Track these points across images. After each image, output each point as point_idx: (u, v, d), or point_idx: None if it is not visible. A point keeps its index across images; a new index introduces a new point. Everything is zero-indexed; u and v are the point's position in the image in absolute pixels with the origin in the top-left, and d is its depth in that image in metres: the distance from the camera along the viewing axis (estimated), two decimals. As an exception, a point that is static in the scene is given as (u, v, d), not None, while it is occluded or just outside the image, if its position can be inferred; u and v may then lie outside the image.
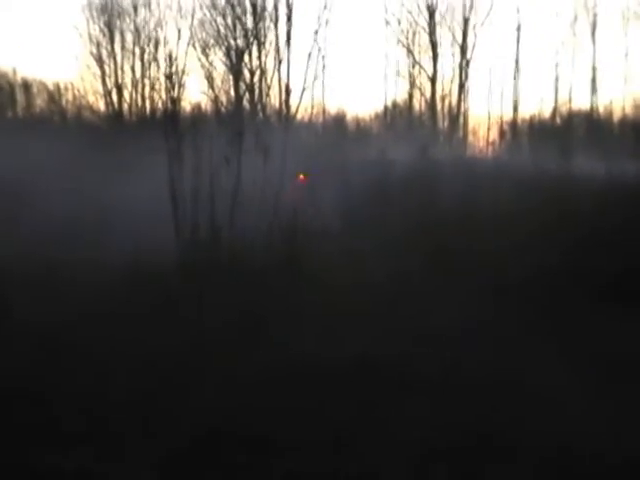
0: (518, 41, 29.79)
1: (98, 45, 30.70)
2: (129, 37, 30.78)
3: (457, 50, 30.22)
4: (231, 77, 29.72)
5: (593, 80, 29.26)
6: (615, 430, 6.86)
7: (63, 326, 9.49)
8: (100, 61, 30.80)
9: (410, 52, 30.44)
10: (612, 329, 9.78)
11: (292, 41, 29.70)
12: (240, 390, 7.82)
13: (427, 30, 30.97)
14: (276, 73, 29.76)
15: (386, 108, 32.34)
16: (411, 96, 31.41)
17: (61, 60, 50.23)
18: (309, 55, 29.00)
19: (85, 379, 7.93)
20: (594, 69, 29.09)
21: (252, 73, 29.50)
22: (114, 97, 31.39)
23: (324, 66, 30.85)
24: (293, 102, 29.83)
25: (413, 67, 30.82)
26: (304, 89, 29.51)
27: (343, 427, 6.90)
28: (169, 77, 26.34)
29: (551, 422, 7.08)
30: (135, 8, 30.02)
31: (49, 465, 6.44)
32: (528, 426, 6.98)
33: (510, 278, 11.70)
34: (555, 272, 12.18)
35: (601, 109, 29.70)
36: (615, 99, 34.50)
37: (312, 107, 30.25)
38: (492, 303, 10.66)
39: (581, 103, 30.37)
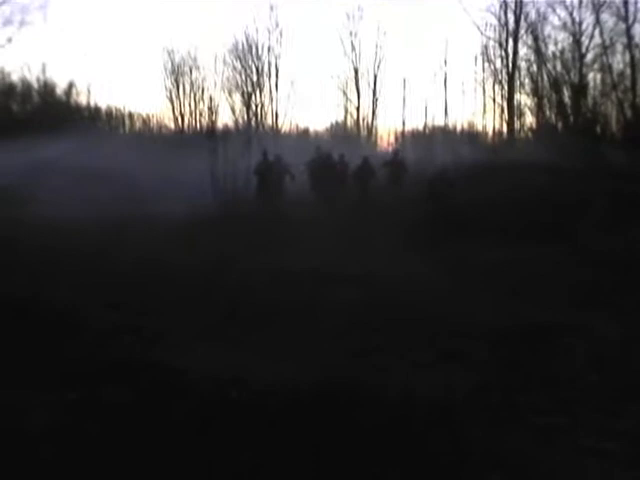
0: (405, 84, 31.30)
1: (170, 92, 32.61)
2: (187, 87, 32.64)
3: (371, 91, 31.68)
4: (244, 108, 31.29)
5: (445, 105, 30.87)
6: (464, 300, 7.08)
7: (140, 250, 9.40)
8: (171, 100, 32.73)
9: (344, 93, 31.99)
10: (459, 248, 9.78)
11: (279, 87, 31.40)
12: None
13: (354, 80, 32.32)
14: (270, 105, 31.43)
15: (331, 125, 33.99)
16: (346, 118, 33.00)
17: (148, 98, 50.77)
18: (288, 96, 31.12)
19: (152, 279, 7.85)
20: (445, 100, 30.69)
21: (256, 106, 31.21)
22: (179, 121, 33.14)
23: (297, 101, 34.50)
24: (280, 122, 31.52)
25: (347, 101, 32.20)
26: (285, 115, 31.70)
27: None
28: (210, 109, 28.22)
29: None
30: (190, 70, 31.88)
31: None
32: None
33: (400, 222, 11.49)
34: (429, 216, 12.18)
35: (450, 124, 31.11)
36: (457, 118, 36.51)
37: (290, 124, 32.07)
38: (393, 235, 10.34)
39: (439, 120, 31.82)
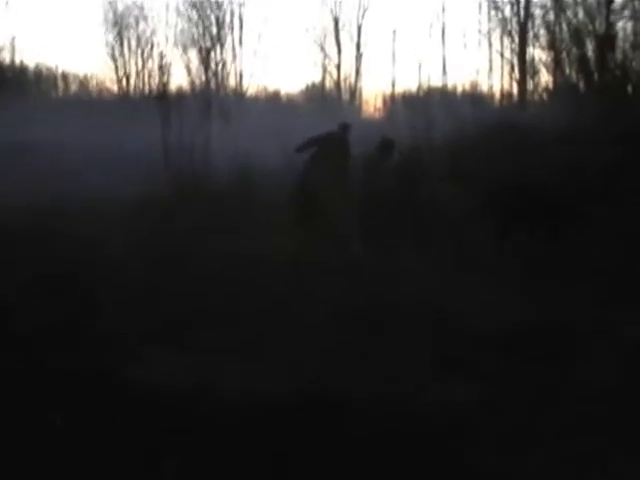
0: (394, 37, 31.23)
1: (113, 48, 32.16)
2: (133, 42, 32.25)
3: (354, 46, 31.64)
4: (202, 67, 31.09)
5: (444, 63, 30.89)
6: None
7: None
8: (114, 58, 32.30)
9: (322, 49, 31.88)
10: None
11: (244, 42, 31.15)
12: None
13: (333, 33, 32.03)
14: (233, 64, 31.36)
15: (307, 87, 33.88)
16: (324, 78, 32.88)
17: (86, 55, 50.43)
18: (255, 52, 31.44)
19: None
20: (443, 56, 30.69)
21: (216, 64, 31.14)
22: (124, 83, 32.84)
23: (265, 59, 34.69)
24: (245, 84, 31.42)
25: (325, 58, 32.11)
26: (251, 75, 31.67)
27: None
28: (160, 68, 28.23)
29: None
30: (137, 22, 31.41)
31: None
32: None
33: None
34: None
35: (449, 85, 31.06)
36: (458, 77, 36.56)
37: (257, 86, 32.04)
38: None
39: (436, 80, 31.81)
